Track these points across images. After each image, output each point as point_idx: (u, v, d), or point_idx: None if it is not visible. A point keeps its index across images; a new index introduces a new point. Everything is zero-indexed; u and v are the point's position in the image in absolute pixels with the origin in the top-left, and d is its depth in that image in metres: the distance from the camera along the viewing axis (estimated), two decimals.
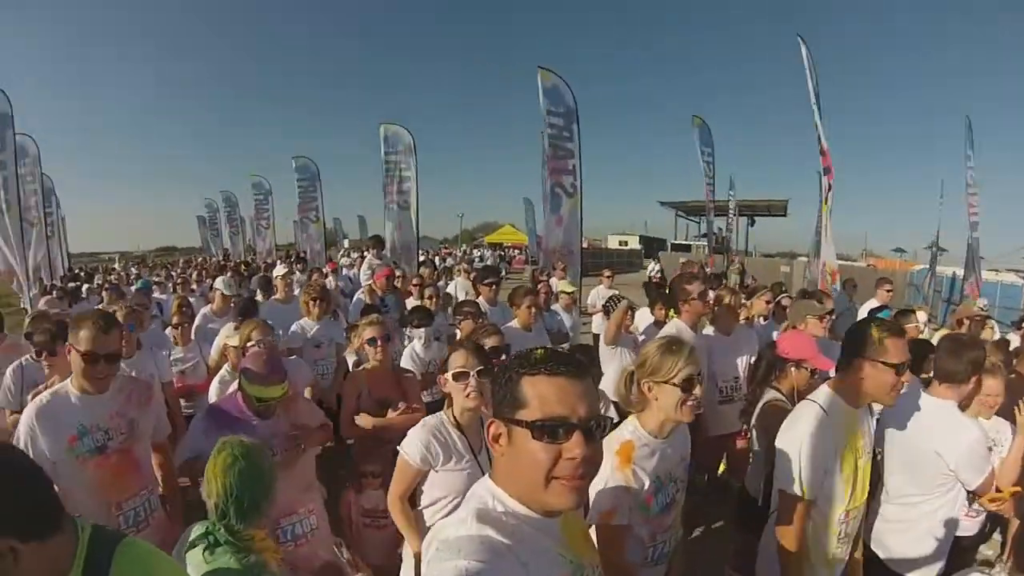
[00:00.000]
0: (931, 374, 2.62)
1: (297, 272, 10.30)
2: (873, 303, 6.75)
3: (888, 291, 7.03)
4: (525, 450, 1.05)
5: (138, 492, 2.53)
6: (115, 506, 2.43)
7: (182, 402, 4.50)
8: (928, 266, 13.94)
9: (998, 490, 2.47)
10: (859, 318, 5.61)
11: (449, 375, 2.33)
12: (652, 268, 23.67)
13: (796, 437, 2.17)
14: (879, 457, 2.58)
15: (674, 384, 1.92)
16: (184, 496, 2.88)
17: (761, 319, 5.43)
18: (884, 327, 2.17)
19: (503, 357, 3.08)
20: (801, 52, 9.02)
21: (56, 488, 1.33)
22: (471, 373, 2.27)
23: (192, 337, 5.07)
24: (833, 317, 4.47)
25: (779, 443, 2.25)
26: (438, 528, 1.09)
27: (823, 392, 2.27)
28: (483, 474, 2.08)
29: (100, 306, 7.63)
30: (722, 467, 4.63)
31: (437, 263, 16.87)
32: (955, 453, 2.34)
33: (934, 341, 3.99)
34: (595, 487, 1.88)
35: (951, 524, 2.48)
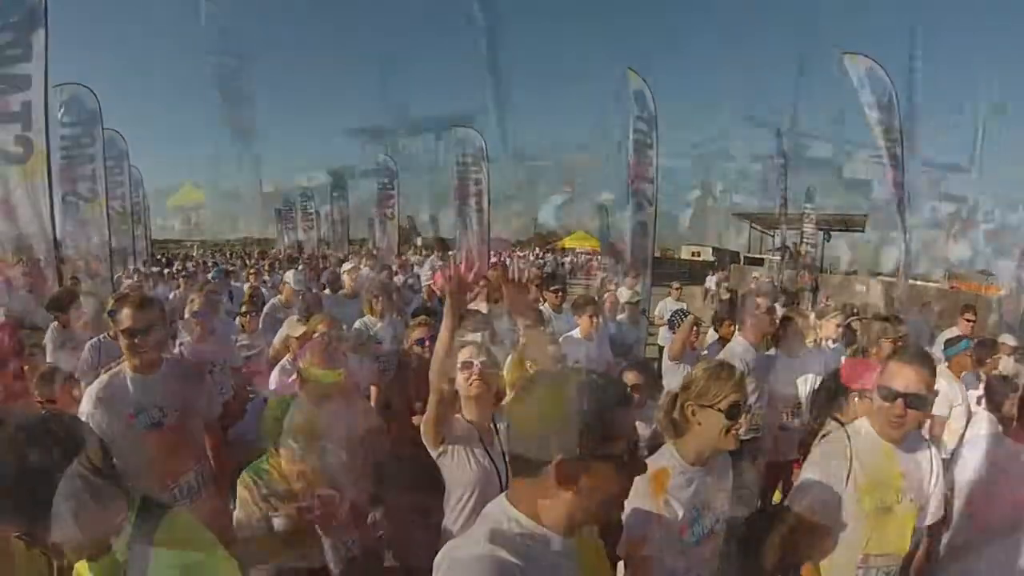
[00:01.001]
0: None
1: (367, 268, 10.54)
2: (953, 332, 6.16)
3: (969, 320, 6.33)
4: (608, 483, 1.09)
5: (192, 467, 2.67)
6: (171, 479, 2.56)
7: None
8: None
9: None
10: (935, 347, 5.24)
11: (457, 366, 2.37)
12: (710, 282, 21.32)
13: (815, 466, 2.10)
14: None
15: (719, 409, 1.86)
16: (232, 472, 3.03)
17: (830, 342, 5.18)
18: (901, 351, 2.05)
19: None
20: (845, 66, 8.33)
21: (115, 462, 1.44)
22: (475, 363, 2.30)
23: (259, 326, 5.30)
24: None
25: (803, 471, 2.19)
26: (451, 547, 1.11)
27: (857, 423, 2.16)
28: (496, 468, 2.16)
29: (176, 291, 8.10)
30: (778, 494, 4.45)
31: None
32: None
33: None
34: (626, 513, 1.84)
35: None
